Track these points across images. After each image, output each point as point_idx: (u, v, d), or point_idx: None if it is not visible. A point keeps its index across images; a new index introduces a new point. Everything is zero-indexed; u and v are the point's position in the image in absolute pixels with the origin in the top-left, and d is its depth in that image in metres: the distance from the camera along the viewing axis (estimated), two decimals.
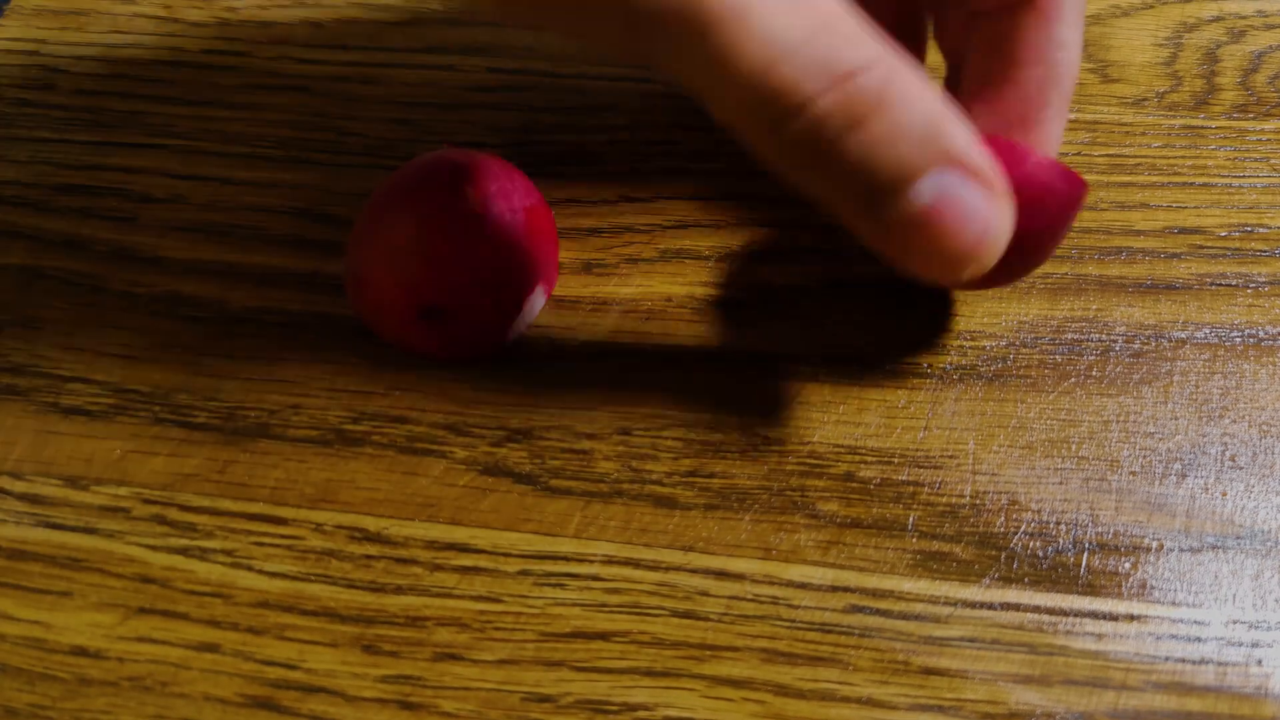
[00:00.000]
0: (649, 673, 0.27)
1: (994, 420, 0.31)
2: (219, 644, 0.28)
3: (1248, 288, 0.33)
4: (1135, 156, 0.36)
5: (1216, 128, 0.37)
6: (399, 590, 0.28)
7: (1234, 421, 0.30)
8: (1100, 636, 0.27)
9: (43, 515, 0.30)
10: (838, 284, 0.33)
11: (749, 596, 0.28)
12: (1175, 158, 0.36)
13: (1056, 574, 0.28)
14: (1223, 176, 0.35)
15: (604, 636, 0.28)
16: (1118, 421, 0.30)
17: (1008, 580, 0.28)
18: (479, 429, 0.31)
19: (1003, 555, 0.28)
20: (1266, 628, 0.27)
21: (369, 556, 0.29)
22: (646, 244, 0.34)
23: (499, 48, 0.38)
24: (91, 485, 0.30)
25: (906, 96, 0.19)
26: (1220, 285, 0.33)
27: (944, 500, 0.29)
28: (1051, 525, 0.29)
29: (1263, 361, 0.31)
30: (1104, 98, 0.37)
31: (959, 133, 0.20)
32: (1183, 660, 0.27)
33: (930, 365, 0.32)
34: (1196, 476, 0.30)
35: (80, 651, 0.28)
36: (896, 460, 0.30)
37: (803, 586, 0.28)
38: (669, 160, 0.36)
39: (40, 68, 0.38)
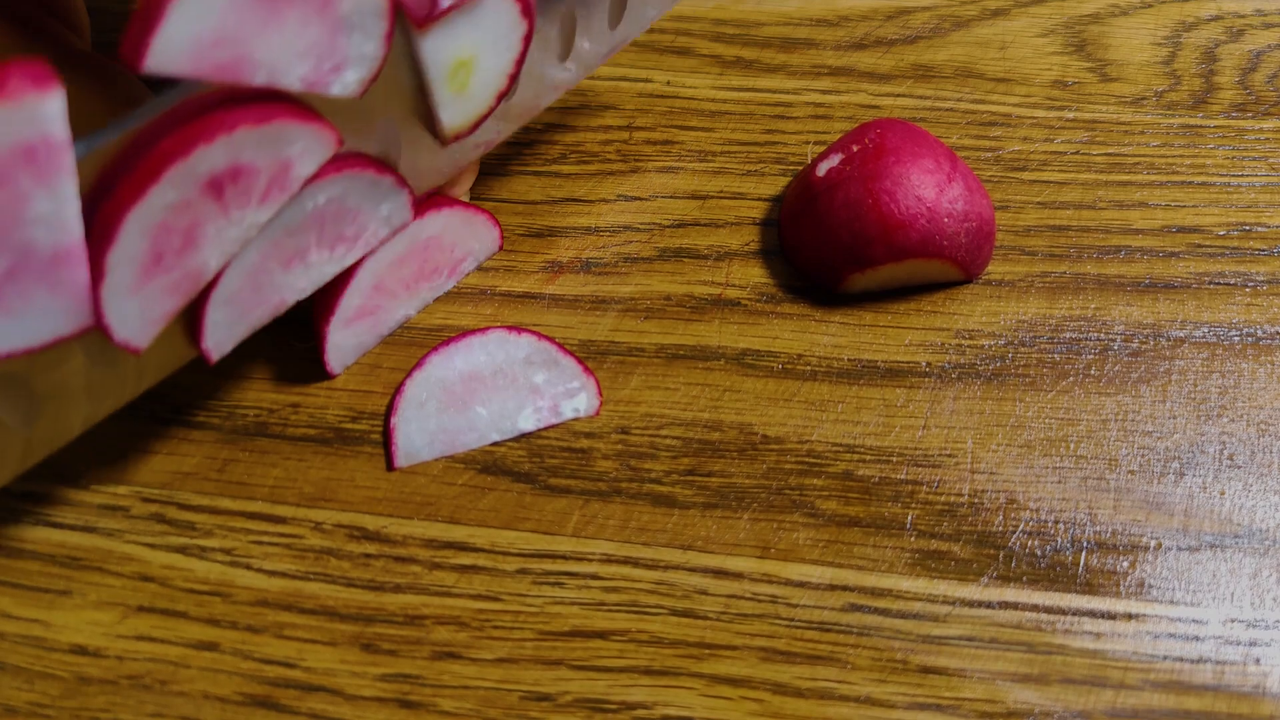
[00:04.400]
0: (647, 671, 0.27)
1: (992, 419, 0.31)
2: (218, 642, 0.28)
3: (1246, 286, 0.33)
4: (1134, 155, 0.36)
5: (1215, 127, 0.37)
6: (398, 589, 0.28)
7: (1232, 420, 0.30)
8: (1098, 635, 0.27)
9: (42, 514, 0.30)
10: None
11: (747, 595, 0.28)
12: (1174, 157, 0.36)
13: (1055, 573, 0.28)
14: (1221, 175, 0.35)
15: (603, 635, 0.28)
16: (1116, 420, 0.30)
17: (1006, 579, 0.28)
18: None
19: (1001, 554, 0.28)
20: (1264, 626, 0.27)
21: (368, 555, 0.29)
22: (645, 243, 0.34)
23: None
24: (91, 484, 0.30)
25: None
26: (1219, 284, 0.33)
27: (942, 499, 0.29)
28: (1050, 524, 0.29)
29: (1261, 360, 0.31)
30: (1102, 97, 0.37)
31: None
32: (1181, 659, 0.27)
33: (929, 364, 0.32)
34: (1195, 475, 0.30)
35: (79, 650, 0.28)
36: (895, 459, 0.30)
37: (801, 585, 0.28)
38: (669, 160, 0.36)
39: None
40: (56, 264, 0.22)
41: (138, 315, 0.24)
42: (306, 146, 0.24)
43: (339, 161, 0.26)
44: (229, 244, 0.25)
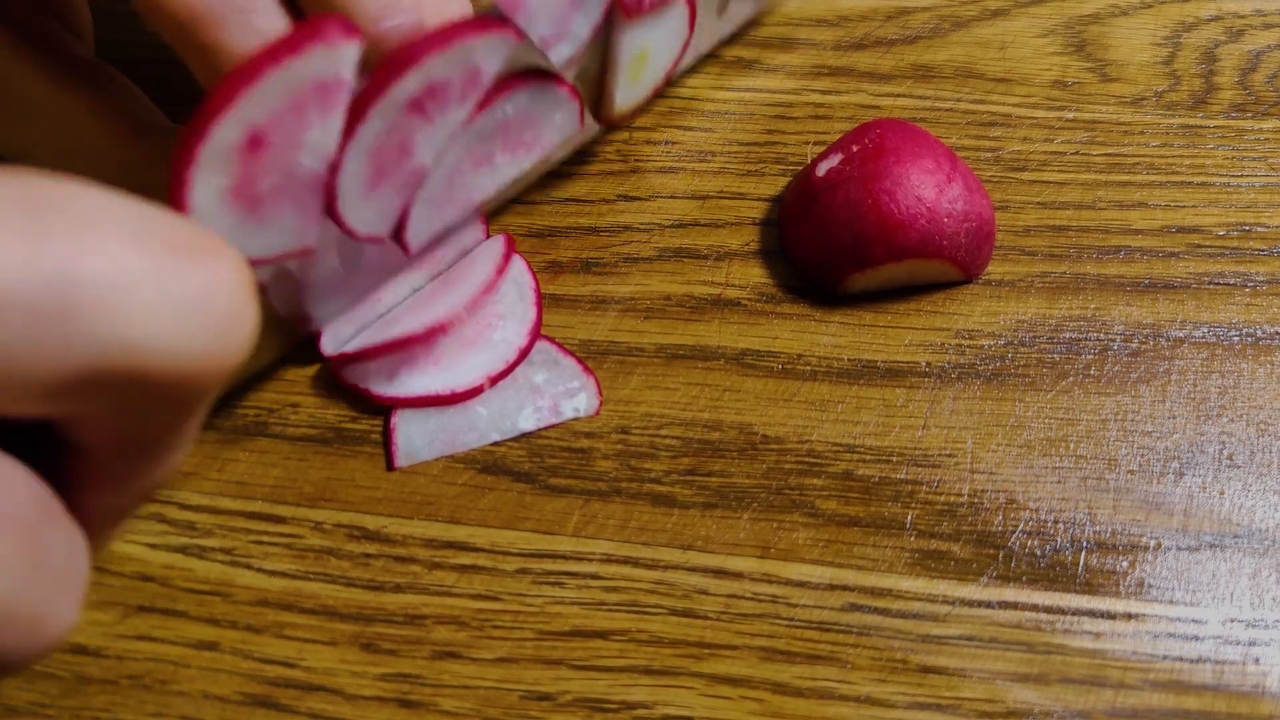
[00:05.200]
0: (647, 671, 0.27)
1: (992, 419, 0.31)
2: (218, 642, 0.28)
3: (1246, 287, 0.33)
4: (1133, 155, 0.36)
5: (1215, 127, 0.37)
6: (398, 588, 0.28)
7: (1232, 420, 0.30)
8: (1098, 635, 0.27)
9: None
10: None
11: (747, 595, 0.28)
12: (1173, 157, 0.36)
13: (1054, 572, 0.28)
14: (1221, 176, 0.35)
15: (603, 635, 0.28)
16: (1116, 420, 0.30)
17: (1005, 579, 0.28)
18: None
19: (1000, 554, 0.28)
20: (1264, 626, 0.27)
21: (368, 555, 0.29)
22: (645, 243, 0.34)
23: None
24: None
25: None
26: (1218, 284, 0.33)
27: (942, 499, 0.29)
28: (1049, 524, 0.29)
29: (1260, 360, 0.31)
30: (1102, 97, 0.37)
31: None
32: (1180, 659, 0.27)
33: (929, 364, 0.32)
34: (1194, 475, 0.30)
35: (79, 649, 0.28)
36: (895, 459, 0.30)
37: (801, 585, 0.28)
38: (669, 160, 0.36)
39: None
40: (307, 188, 0.25)
41: (374, 215, 0.28)
42: (489, 50, 0.27)
43: (524, 75, 0.29)
44: (439, 143, 0.28)
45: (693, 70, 0.39)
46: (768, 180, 0.36)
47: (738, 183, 0.36)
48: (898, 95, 0.38)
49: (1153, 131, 0.36)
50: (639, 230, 0.35)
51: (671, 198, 0.35)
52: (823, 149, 0.35)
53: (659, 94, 0.35)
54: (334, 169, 0.26)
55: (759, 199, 0.35)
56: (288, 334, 0.31)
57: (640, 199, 0.35)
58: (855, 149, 0.33)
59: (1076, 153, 0.36)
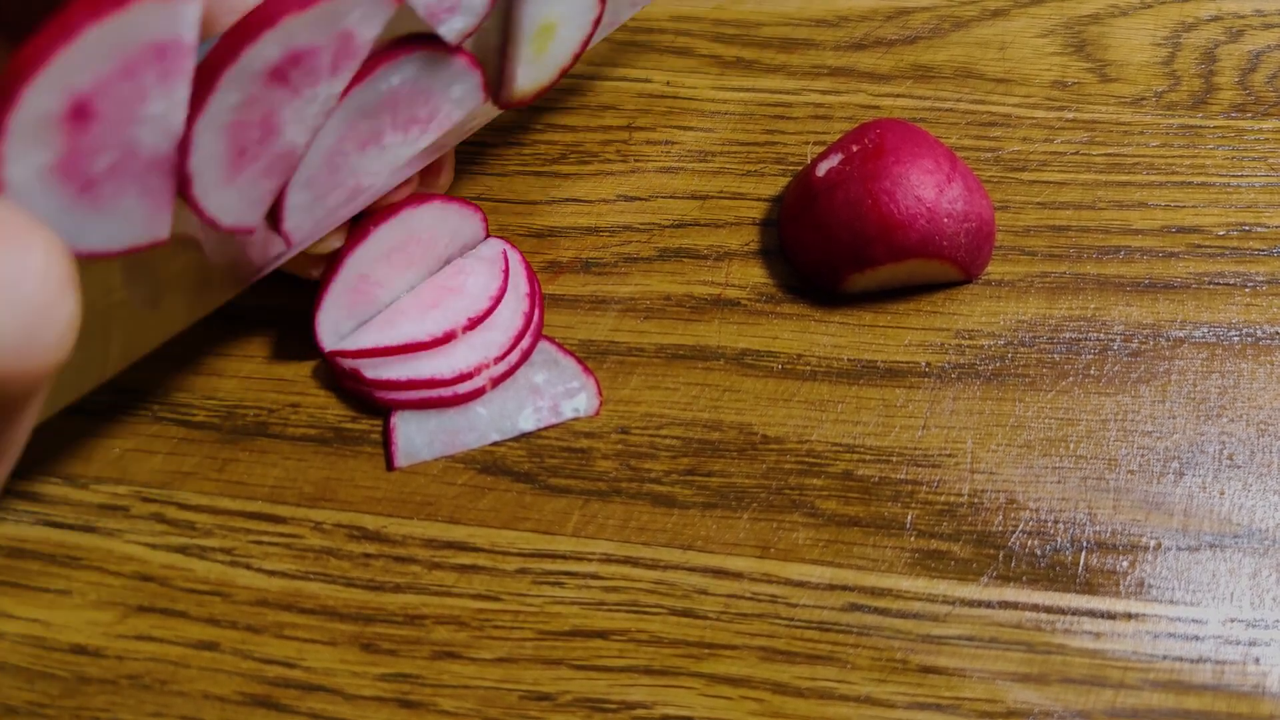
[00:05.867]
0: (647, 671, 0.27)
1: (992, 419, 0.31)
2: (218, 642, 0.28)
3: (1245, 287, 0.33)
4: (1133, 156, 0.36)
5: (1215, 127, 0.37)
6: (397, 588, 0.28)
7: (1232, 420, 0.30)
8: (1098, 635, 0.27)
9: (42, 513, 0.30)
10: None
11: (747, 595, 0.28)
12: (1173, 157, 0.36)
13: (1054, 572, 0.28)
14: (1221, 176, 0.35)
15: (602, 635, 0.28)
16: (1115, 420, 0.30)
17: (1006, 579, 0.28)
18: None
19: (1000, 554, 0.28)
20: (1264, 626, 0.27)
21: (367, 555, 0.29)
22: (645, 243, 0.34)
23: None
24: (91, 483, 0.30)
25: None
26: (1218, 284, 0.33)
27: (942, 499, 0.29)
28: (1049, 524, 0.29)
29: (1260, 360, 0.31)
30: (1102, 97, 0.37)
31: None
32: (1180, 658, 0.27)
33: (929, 364, 0.32)
34: (1194, 475, 0.30)
35: (79, 649, 0.28)
36: (895, 459, 0.30)
37: (801, 585, 0.28)
38: (669, 160, 0.36)
39: None
40: (151, 169, 0.22)
41: (238, 202, 0.25)
42: (364, 12, 0.24)
43: (412, 42, 0.26)
44: (311, 119, 0.25)
45: (692, 70, 0.39)
46: (768, 180, 0.36)
47: (738, 183, 0.36)
48: (898, 95, 0.38)
49: (1153, 131, 0.37)
50: (639, 230, 0.35)
51: (671, 198, 0.35)
52: (823, 149, 0.35)
53: (566, 74, 0.32)
54: (184, 147, 0.23)
55: (759, 199, 0.35)
56: (231, 282, 0.29)
57: (640, 199, 0.35)
58: (855, 149, 0.33)
59: (1076, 153, 0.36)
